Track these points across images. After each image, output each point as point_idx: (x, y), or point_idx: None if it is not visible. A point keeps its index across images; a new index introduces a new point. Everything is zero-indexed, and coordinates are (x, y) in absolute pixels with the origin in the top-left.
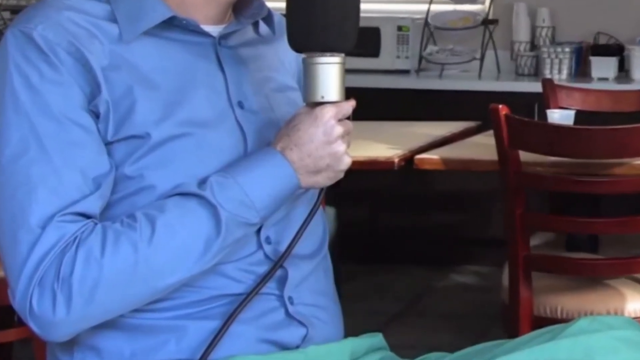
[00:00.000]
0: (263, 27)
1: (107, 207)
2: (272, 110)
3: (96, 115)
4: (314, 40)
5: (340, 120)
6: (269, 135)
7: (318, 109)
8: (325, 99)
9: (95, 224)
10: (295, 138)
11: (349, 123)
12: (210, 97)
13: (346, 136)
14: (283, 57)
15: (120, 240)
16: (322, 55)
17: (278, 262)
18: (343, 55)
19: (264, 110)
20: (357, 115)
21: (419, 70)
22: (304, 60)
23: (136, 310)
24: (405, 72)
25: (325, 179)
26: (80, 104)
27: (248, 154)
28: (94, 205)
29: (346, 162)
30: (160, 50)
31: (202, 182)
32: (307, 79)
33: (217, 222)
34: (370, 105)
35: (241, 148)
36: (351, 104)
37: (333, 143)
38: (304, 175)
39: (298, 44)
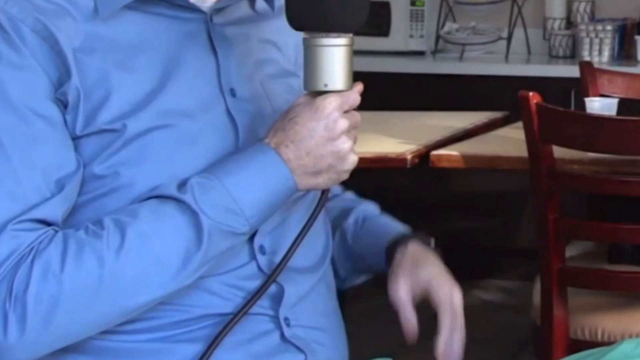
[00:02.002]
0: (260, 3)
1: (73, 211)
2: (268, 99)
3: (64, 105)
4: (316, 17)
5: (345, 112)
6: (263, 127)
7: (319, 99)
8: (329, 88)
9: (56, 232)
10: (292, 133)
11: (356, 115)
12: (198, 83)
13: (352, 130)
14: (282, 38)
15: (83, 251)
16: (326, 36)
17: (271, 277)
18: (351, 35)
19: (259, 99)
20: (363, 105)
21: (435, 52)
22: (305, 40)
23: (108, 332)
24: (419, 53)
25: (327, 181)
26: (45, 92)
27: (239, 150)
28: (55, 210)
29: (351, 162)
30: (143, 28)
31: (183, 184)
32: (308, 64)
33: (198, 232)
34: (378, 92)
35: (232, 142)
36: (358, 89)
37: (336, 139)
38: (302, 176)
39: (297, 20)
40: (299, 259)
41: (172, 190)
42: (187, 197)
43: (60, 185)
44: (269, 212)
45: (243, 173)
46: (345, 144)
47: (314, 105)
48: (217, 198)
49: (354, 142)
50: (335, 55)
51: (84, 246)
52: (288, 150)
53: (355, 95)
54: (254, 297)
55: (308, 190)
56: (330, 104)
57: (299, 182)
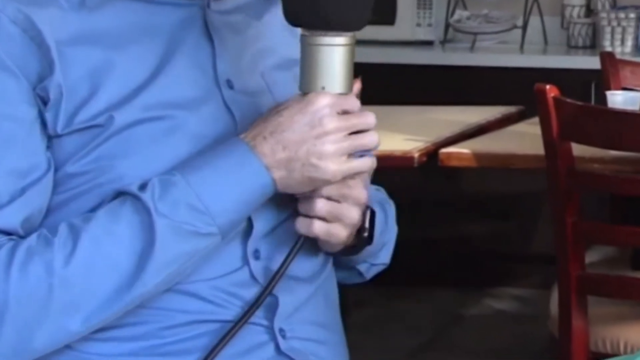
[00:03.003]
0: None
1: (53, 211)
2: (270, 91)
3: (43, 101)
4: (315, 14)
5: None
6: None
7: (312, 94)
8: (327, 91)
9: (11, 240)
10: (273, 125)
11: (355, 119)
12: (192, 74)
13: (343, 139)
14: (287, 25)
15: (31, 260)
16: (325, 35)
17: (267, 289)
18: (353, 34)
19: (259, 91)
20: (367, 98)
21: (444, 42)
22: (302, 37)
23: (81, 341)
24: (427, 43)
25: (299, 185)
26: (20, 89)
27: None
28: (11, 218)
29: (327, 171)
30: (133, 16)
31: (147, 182)
32: (305, 63)
33: (150, 232)
34: (383, 85)
35: (230, 136)
36: (357, 88)
37: (317, 138)
38: (280, 173)
39: (294, 16)
40: (297, 267)
41: (133, 189)
42: (145, 195)
43: (19, 191)
44: (242, 212)
45: (210, 168)
46: (325, 146)
47: (305, 100)
48: (179, 195)
49: (345, 152)
50: (335, 56)
51: (33, 255)
52: (265, 142)
53: (354, 100)
54: (248, 311)
55: (290, 193)
56: (322, 100)
57: (277, 180)
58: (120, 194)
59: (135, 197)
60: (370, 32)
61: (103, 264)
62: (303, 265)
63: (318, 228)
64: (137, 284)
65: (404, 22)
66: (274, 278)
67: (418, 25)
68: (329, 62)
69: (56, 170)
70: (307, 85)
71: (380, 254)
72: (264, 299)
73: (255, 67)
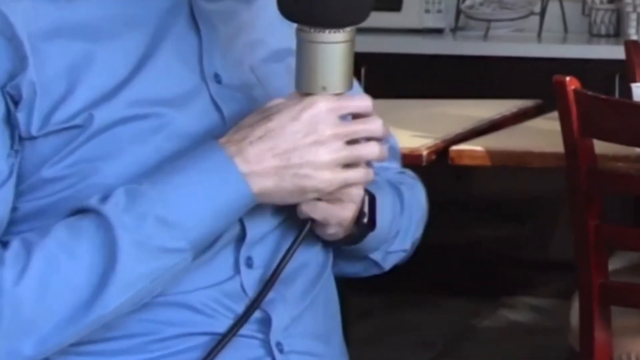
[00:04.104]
0: None
1: (28, 220)
2: (261, 85)
3: (14, 101)
4: (314, 10)
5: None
6: None
7: (309, 98)
8: (328, 92)
9: None
10: (261, 129)
11: (356, 126)
12: (178, 68)
13: (341, 148)
14: (279, 14)
15: None
16: (322, 31)
17: (254, 303)
18: (353, 28)
19: (249, 85)
20: (371, 91)
21: (455, 30)
22: (298, 33)
23: (62, 355)
24: (437, 31)
25: (289, 195)
26: None
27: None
28: None
29: (323, 182)
30: (114, 4)
31: (109, 194)
32: (301, 61)
33: (112, 248)
34: (389, 77)
35: (217, 134)
36: (364, 104)
37: (313, 146)
38: (261, 182)
39: (290, 10)
40: (289, 277)
41: (94, 202)
42: (106, 209)
43: None
44: (217, 226)
45: (181, 176)
46: (319, 154)
47: (300, 105)
48: (146, 206)
49: (337, 164)
50: (336, 54)
51: None
52: (251, 148)
53: (360, 101)
54: (235, 325)
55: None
56: (320, 105)
57: (262, 190)
58: (79, 210)
59: (96, 211)
60: (375, 19)
61: (59, 283)
62: (296, 275)
63: (311, 208)
64: (97, 306)
65: (411, 8)
66: (261, 293)
67: (427, 11)
68: (329, 60)
69: (30, 175)
70: (305, 85)
71: (396, 240)
72: (252, 313)
73: (244, 60)
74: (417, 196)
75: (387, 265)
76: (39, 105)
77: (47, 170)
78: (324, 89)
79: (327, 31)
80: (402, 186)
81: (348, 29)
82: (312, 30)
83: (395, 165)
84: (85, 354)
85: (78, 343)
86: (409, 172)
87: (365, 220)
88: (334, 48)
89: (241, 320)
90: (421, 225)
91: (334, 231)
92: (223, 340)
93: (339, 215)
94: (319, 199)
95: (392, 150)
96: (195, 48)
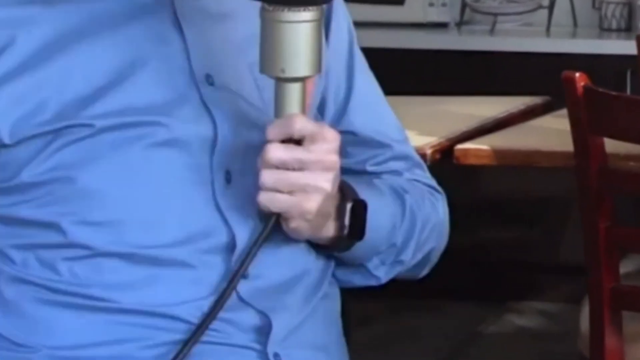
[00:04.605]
0: None
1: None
2: (257, 88)
3: None
4: None
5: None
6: (247, 124)
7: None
8: (287, 74)
9: None
10: None
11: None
12: (164, 71)
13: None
14: None
15: None
16: (282, 9)
17: (232, 281)
18: (321, 7)
19: (245, 86)
20: None
21: (460, 24)
22: (261, 12)
23: None
24: (441, 25)
25: None
26: None
27: (216, 149)
28: None
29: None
30: (86, 6)
31: None
32: (264, 41)
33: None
34: (391, 73)
35: (208, 141)
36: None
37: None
38: None
39: None
40: (288, 286)
41: None
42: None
43: None
44: None
45: None
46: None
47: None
48: None
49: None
50: (299, 34)
51: None
52: None
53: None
54: (210, 312)
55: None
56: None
57: None
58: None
59: None
60: (377, 12)
61: None
62: (296, 282)
63: (270, 200)
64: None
65: (414, 1)
66: (239, 270)
67: (431, 4)
68: (288, 41)
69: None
70: (266, 67)
71: (393, 252)
72: (230, 292)
73: (241, 58)
74: (426, 207)
75: (385, 277)
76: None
77: (26, 174)
78: (282, 71)
79: (286, 9)
80: (407, 195)
81: (312, 8)
82: (271, 9)
83: (409, 174)
84: (74, 358)
85: (64, 347)
86: (425, 180)
87: (346, 232)
88: (294, 28)
89: (214, 310)
90: (433, 238)
91: (295, 225)
92: (197, 332)
93: (301, 208)
94: (278, 191)
95: (401, 157)
96: (181, 48)
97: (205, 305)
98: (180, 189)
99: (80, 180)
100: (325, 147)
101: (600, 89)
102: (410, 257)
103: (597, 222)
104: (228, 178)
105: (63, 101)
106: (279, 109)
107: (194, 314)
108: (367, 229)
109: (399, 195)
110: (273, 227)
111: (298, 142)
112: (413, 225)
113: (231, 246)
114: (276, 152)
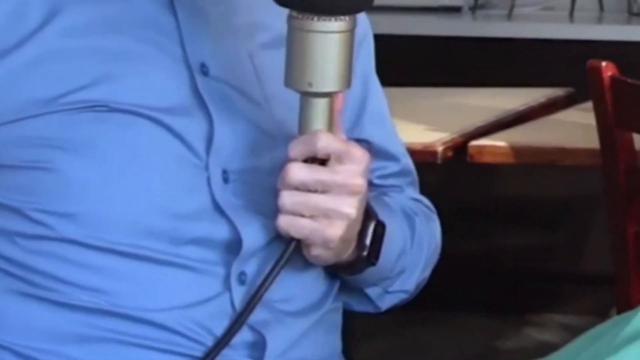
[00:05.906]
0: None
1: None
2: (258, 79)
3: None
4: None
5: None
6: (244, 118)
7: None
8: (314, 89)
9: None
10: None
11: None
12: (156, 59)
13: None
14: None
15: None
16: (312, 18)
17: (238, 321)
18: (353, 17)
19: (244, 77)
20: (380, 79)
21: (475, 8)
22: (289, 19)
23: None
24: (454, 10)
25: None
26: None
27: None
28: None
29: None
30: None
31: None
32: (291, 52)
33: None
34: (401, 62)
35: (203, 135)
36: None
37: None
38: None
39: None
40: (287, 298)
41: None
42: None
43: None
44: None
45: None
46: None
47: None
48: None
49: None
50: (324, 46)
51: None
52: None
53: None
54: (218, 344)
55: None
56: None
57: None
58: None
59: None
60: None
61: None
62: (300, 296)
63: (290, 224)
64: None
65: None
66: (249, 305)
67: None
68: (318, 53)
69: None
70: (292, 81)
71: (399, 279)
72: (238, 329)
73: (241, 46)
74: (431, 230)
75: (384, 305)
76: None
77: (4, 157)
78: (309, 85)
79: (315, 18)
80: (417, 218)
81: (343, 18)
82: (301, 17)
83: (411, 191)
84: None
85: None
86: (425, 200)
87: (365, 253)
88: (324, 39)
89: (224, 339)
90: (430, 265)
91: (317, 253)
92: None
93: (323, 235)
94: (299, 215)
95: (406, 172)
96: (175, 34)
97: (195, 314)
98: (173, 181)
99: (60, 167)
100: (352, 168)
101: (629, 80)
102: (413, 287)
103: (626, 227)
104: (225, 178)
105: (43, 91)
106: (302, 125)
107: (179, 323)
108: (382, 252)
109: (410, 219)
110: (293, 252)
111: (323, 162)
112: (420, 252)
113: (234, 248)
114: (297, 172)
